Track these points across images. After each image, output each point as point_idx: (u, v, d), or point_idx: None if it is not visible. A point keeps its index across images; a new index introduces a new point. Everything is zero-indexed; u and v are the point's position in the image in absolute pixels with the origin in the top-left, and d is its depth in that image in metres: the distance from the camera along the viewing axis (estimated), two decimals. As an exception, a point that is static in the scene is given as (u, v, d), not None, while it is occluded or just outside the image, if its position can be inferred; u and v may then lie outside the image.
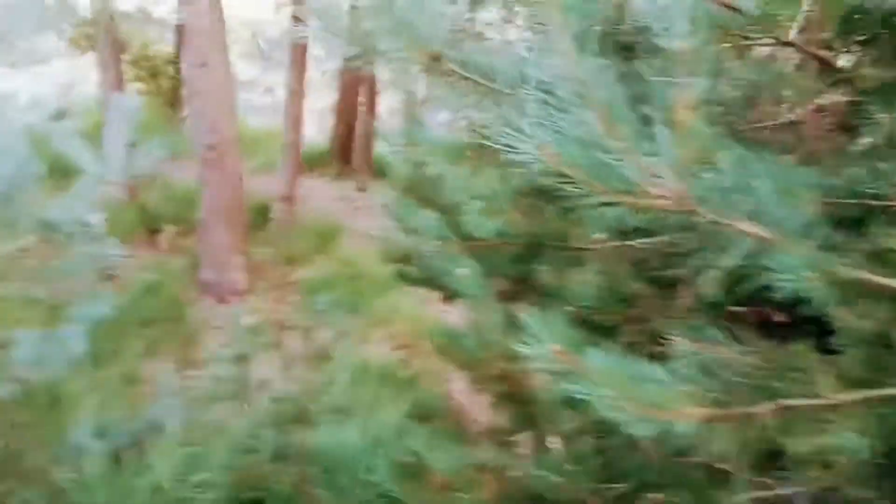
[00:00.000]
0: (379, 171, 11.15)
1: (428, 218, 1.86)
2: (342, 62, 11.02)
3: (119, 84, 8.50)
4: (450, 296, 2.35)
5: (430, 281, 2.13)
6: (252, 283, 6.80)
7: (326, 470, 3.01)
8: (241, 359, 3.59)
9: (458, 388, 5.66)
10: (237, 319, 4.30)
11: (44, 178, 4.21)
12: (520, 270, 1.69)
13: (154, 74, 14.34)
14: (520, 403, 1.52)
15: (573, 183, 0.84)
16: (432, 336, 1.69)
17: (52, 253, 2.23)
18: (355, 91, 10.92)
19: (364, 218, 9.18)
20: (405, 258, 2.16)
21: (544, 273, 1.59)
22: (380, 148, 11.57)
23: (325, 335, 4.51)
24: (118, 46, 8.47)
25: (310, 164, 11.38)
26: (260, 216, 8.03)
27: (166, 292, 6.39)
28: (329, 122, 11.77)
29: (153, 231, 7.73)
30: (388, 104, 12.14)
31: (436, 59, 1.67)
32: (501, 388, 1.54)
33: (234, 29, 10.77)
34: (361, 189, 10.36)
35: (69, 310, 2.02)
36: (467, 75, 1.51)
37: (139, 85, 14.16)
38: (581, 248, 1.54)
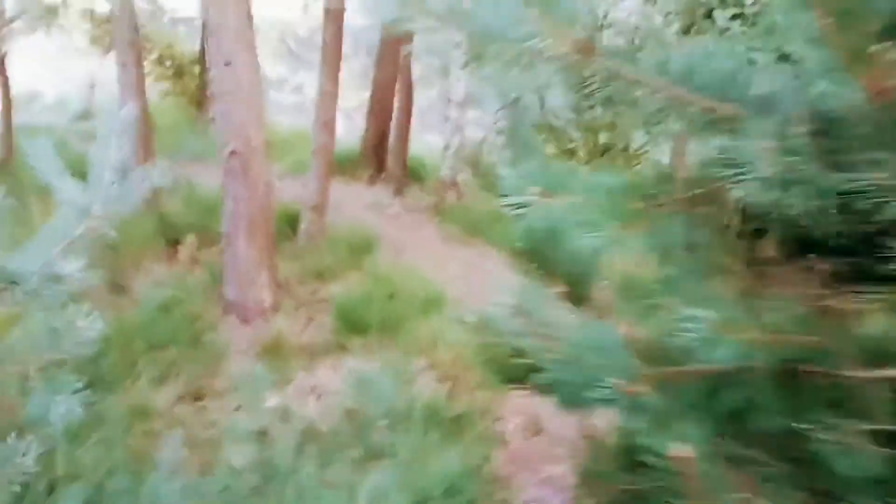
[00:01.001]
0: (414, 174, 10.54)
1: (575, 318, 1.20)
2: (379, 48, 10.34)
3: (140, 85, 7.94)
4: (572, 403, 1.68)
5: (566, 398, 1.46)
6: (279, 300, 6.20)
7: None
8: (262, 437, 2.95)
9: (511, 430, 5.03)
10: (259, 392, 3.66)
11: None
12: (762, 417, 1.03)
13: (179, 74, 13.87)
14: None
15: None
16: None
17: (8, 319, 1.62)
18: (390, 88, 10.29)
19: (399, 226, 8.56)
20: (522, 364, 1.47)
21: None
22: (415, 149, 10.97)
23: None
24: (138, 45, 7.91)
25: (340, 167, 10.79)
26: (288, 226, 7.44)
27: (184, 311, 5.81)
28: (359, 122, 11.15)
29: (173, 242, 7.17)
30: (422, 103, 11.52)
31: (586, 50, 1.01)
32: None
33: (261, 30, 10.22)
34: (397, 193, 9.74)
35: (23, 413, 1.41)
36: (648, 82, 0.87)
37: (165, 84, 13.70)
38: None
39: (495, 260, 7.51)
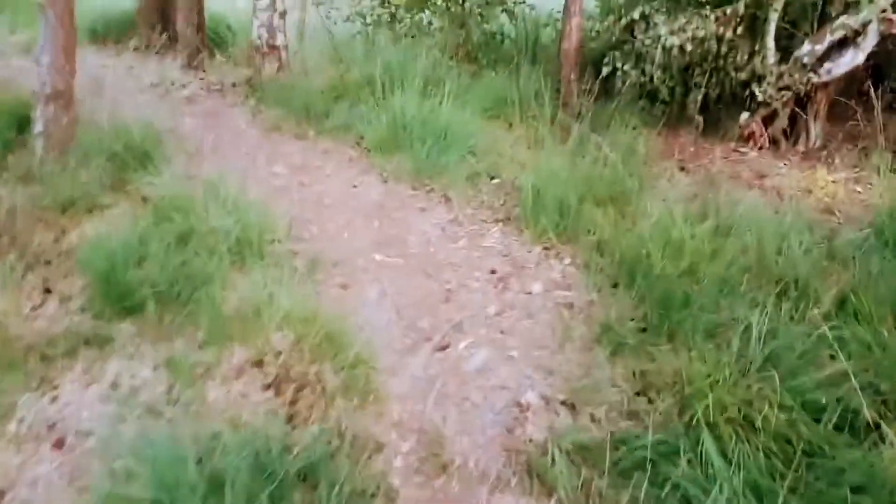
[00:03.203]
0: (216, 39, 7.87)
1: None
2: None
3: None
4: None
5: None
6: (-8, 256, 3.77)
7: None
8: None
9: (400, 465, 3.11)
10: None
11: None
12: None
13: None
14: None
15: None
16: None
17: None
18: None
19: (196, 115, 6.07)
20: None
21: None
22: (215, 4, 8.22)
23: None
24: None
25: (109, 33, 7.92)
26: (16, 130, 4.82)
27: None
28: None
29: None
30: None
31: None
32: None
33: None
34: (192, 66, 7.11)
35: None
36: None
37: None
38: None
39: (342, 156, 5.32)
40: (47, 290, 3.71)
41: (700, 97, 5.65)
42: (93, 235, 3.97)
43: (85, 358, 3.30)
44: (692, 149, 5.61)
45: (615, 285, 3.79)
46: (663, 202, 4.39)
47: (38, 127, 4.67)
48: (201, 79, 6.83)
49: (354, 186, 4.87)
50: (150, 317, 3.42)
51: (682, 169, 5.29)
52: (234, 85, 6.59)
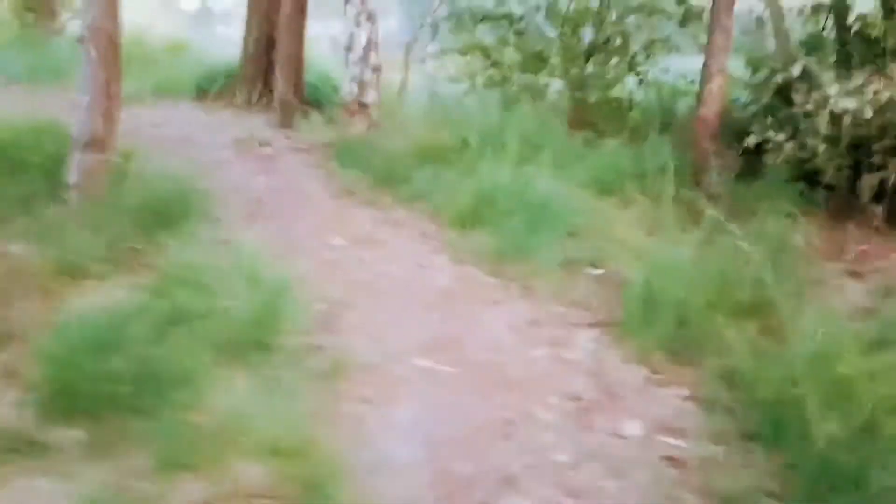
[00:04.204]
0: (318, 96, 7.38)
1: None
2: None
3: None
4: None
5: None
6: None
7: None
8: None
9: None
10: None
11: None
12: None
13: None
14: None
15: None
16: None
17: None
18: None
19: (271, 174, 5.43)
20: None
21: None
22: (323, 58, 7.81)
23: None
24: None
25: (216, 89, 7.63)
26: (49, 175, 4.31)
27: None
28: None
29: None
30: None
31: None
32: None
33: None
34: (284, 124, 6.58)
35: None
36: None
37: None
38: None
39: (414, 229, 4.45)
40: (9, 374, 3.00)
41: (878, 181, 4.38)
42: (87, 304, 3.26)
43: (14, 471, 2.50)
44: (866, 247, 4.33)
45: (750, 437, 2.62)
46: (826, 319, 3.17)
47: (72, 177, 4.12)
48: (288, 137, 6.26)
49: (420, 267, 3.96)
50: (107, 424, 2.60)
51: (853, 273, 4.04)
52: (320, 145, 5.96)
